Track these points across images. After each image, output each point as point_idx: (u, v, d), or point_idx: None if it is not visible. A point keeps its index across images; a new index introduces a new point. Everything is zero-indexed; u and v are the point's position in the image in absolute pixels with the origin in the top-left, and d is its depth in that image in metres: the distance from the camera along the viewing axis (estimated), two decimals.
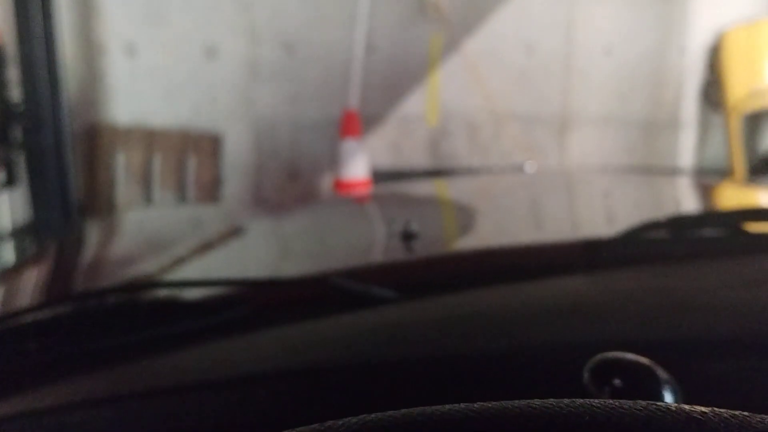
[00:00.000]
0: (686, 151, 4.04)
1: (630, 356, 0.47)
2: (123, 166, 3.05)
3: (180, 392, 0.55)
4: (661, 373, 0.46)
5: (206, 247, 0.98)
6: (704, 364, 0.54)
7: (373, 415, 0.28)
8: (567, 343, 0.57)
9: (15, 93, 2.64)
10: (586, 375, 0.47)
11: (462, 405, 0.28)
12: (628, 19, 3.77)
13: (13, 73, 2.63)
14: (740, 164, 3.68)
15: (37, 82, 2.60)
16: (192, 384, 0.56)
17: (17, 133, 2.66)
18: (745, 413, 0.26)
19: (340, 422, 0.28)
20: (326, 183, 3.40)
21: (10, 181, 2.69)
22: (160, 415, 0.52)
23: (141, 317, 0.66)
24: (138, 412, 0.53)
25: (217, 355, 0.60)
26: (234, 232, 1.10)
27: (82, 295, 0.78)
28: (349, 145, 3.23)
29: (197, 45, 3.11)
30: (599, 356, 0.48)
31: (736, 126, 3.77)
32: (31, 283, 0.87)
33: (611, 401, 0.27)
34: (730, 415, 0.26)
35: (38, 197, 2.67)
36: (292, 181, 3.36)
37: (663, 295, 0.65)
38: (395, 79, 3.43)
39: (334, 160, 3.31)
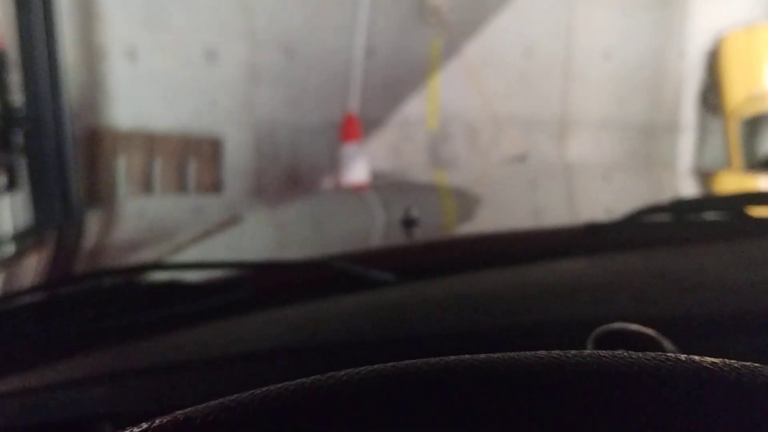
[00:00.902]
0: (685, 155, 4.04)
1: (634, 327, 0.47)
2: (124, 169, 3.05)
3: (182, 368, 0.55)
4: (667, 344, 0.46)
5: (207, 233, 0.98)
6: (708, 340, 0.54)
7: (376, 366, 0.28)
8: (569, 319, 0.57)
9: (16, 97, 2.64)
10: (589, 346, 0.47)
11: (467, 356, 0.28)
12: (627, 23, 3.78)
13: (14, 78, 2.64)
14: (739, 168, 3.69)
15: (39, 87, 2.60)
16: (194, 360, 0.56)
17: (19, 137, 2.66)
18: (756, 364, 0.26)
19: (342, 373, 0.28)
20: (327, 186, 3.41)
21: (12, 185, 2.69)
22: (162, 390, 0.53)
23: (144, 299, 0.66)
24: (139, 387, 0.53)
25: (220, 335, 0.60)
26: (235, 220, 1.10)
27: (87, 275, 0.79)
28: (350, 148, 3.23)
29: (198, 49, 3.12)
30: (603, 327, 0.48)
31: (735, 130, 3.78)
32: (32, 267, 0.87)
33: (620, 352, 0.27)
34: (740, 365, 0.26)
35: (40, 201, 2.67)
36: (292, 184, 3.36)
37: (665, 275, 0.65)
38: (395, 83, 3.44)
39: (334, 164, 3.31)
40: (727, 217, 0.81)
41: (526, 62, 3.65)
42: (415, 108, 3.51)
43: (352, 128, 3.24)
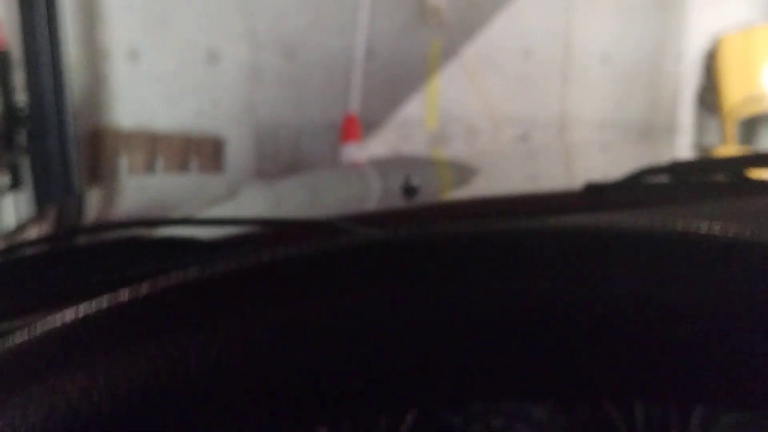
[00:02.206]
0: (682, 156, 4.05)
1: None
2: (126, 169, 3.07)
3: None
4: None
5: (207, 204, 0.99)
6: None
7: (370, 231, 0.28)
8: None
9: (20, 98, 2.67)
10: None
11: (466, 226, 0.28)
12: (625, 25, 3.80)
13: (18, 78, 2.66)
14: None
15: (42, 87, 2.62)
16: None
17: (22, 137, 2.68)
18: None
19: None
20: None
21: (15, 185, 2.71)
22: None
23: (145, 253, 0.66)
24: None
25: None
26: (233, 194, 1.10)
27: (91, 228, 0.79)
28: (350, 149, 3.25)
29: (199, 50, 3.14)
30: None
31: (732, 131, 3.79)
32: (32, 232, 0.88)
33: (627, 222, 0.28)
34: (736, 230, 0.27)
35: (43, 200, 2.69)
36: None
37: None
38: (395, 84, 3.46)
39: (334, 164, 3.33)
40: (727, 178, 0.82)
41: (525, 64, 3.67)
42: (415, 109, 3.53)
43: (353, 129, 3.26)
